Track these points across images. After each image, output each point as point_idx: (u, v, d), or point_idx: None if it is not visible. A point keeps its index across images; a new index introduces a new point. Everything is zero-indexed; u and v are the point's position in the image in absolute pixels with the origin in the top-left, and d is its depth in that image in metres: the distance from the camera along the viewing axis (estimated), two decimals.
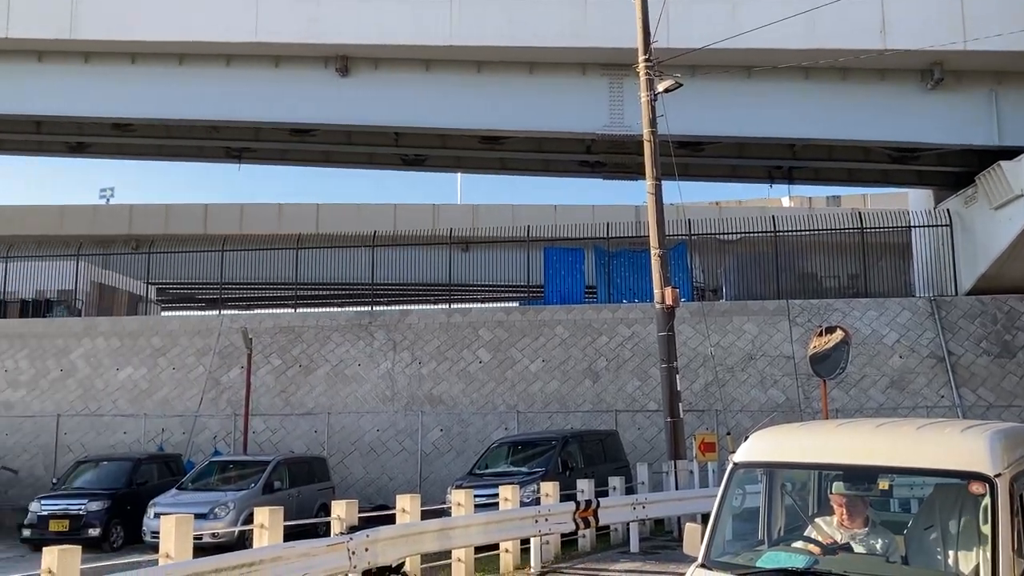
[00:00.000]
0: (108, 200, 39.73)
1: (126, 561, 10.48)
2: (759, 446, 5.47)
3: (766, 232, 24.33)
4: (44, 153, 28.62)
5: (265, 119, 23.40)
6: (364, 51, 22.07)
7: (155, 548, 11.02)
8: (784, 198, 40.80)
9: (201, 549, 13.71)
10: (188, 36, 21.81)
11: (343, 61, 22.21)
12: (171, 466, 19.42)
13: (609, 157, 24.04)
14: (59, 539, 16.31)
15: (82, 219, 36.45)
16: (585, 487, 13.83)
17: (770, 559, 5.10)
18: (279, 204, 37.45)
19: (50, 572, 7.37)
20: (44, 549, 7.60)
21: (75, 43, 22.24)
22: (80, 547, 7.75)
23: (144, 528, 15.88)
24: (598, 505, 13.30)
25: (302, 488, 17.86)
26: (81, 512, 16.54)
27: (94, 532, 16.31)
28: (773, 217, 25.06)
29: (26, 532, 16.55)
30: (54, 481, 18.60)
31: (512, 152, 25.43)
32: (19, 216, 36.92)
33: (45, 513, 16.66)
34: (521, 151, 25.26)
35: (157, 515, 15.66)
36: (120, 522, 16.81)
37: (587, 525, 13.17)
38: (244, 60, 22.65)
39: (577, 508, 12.85)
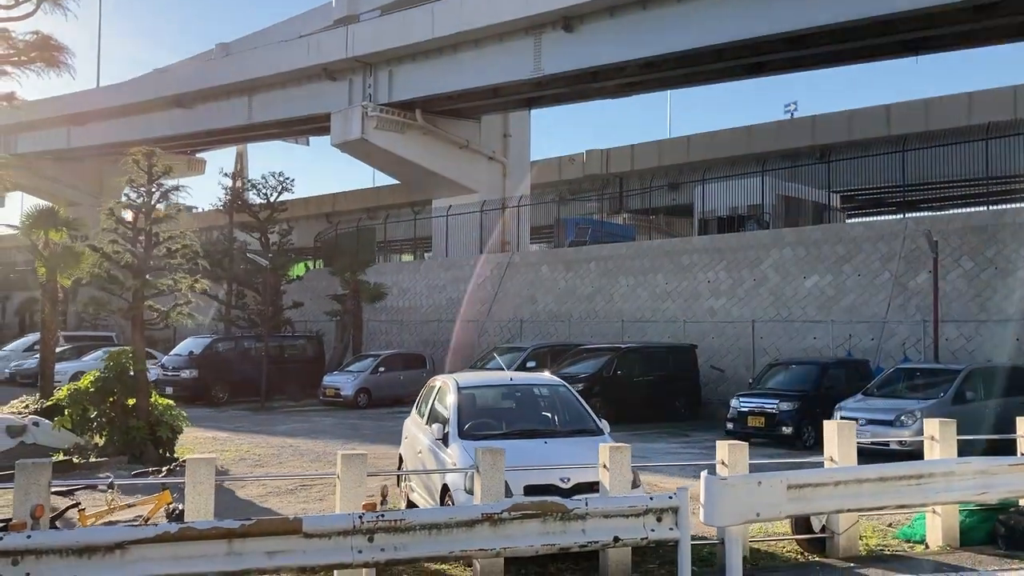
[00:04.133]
0: (792, 114, 40.94)
1: (811, 460, 10.96)
2: None
3: None
4: (726, 79, 30.73)
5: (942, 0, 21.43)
6: None
7: None
8: None
9: (888, 455, 13.75)
10: None
11: None
12: (859, 371, 19.52)
13: None
14: (756, 434, 17.93)
15: (767, 136, 38.30)
16: None
17: None
18: (968, 93, 34.00)
19: (722, 463, 8.18)
20: (718, 443, 8.46)
21: None
22: (748, 443, 8.42)
23: None
24: None
25: (1002, 400, 16.35)
26: (774, 411, 17.74)
27: (787, 430, 17.37)
28: None
29: (729, 425, 18.40)
30: (750, 381, 20.26)
31: None
32: (712, 140, 40.47)
33: (744, 410, 18.27)
34: None
35: (843, 419, 16.06)
36: (810, 423, 17.52)
37: None
38: None
39: None
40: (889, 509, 8.44)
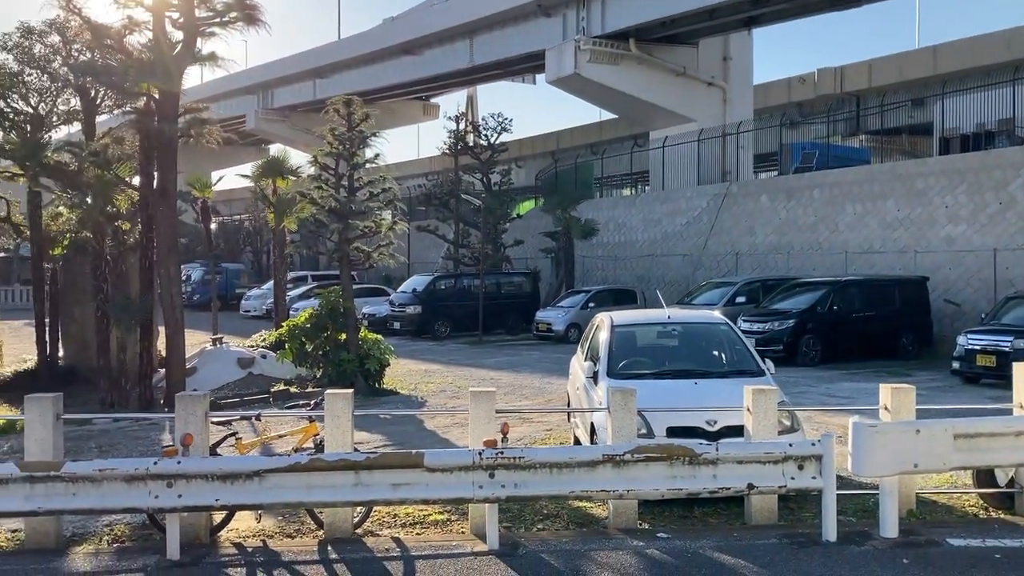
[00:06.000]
0: None
1: (1003, 407, 9.84)
2: None
3: None
4: None
5: None
6: None
7: None
8: None
9: None
10: None
11: None
12: None
13: None
14: (986, 374, 16.32)
15: None
16: None
17: None
18: None
19: (885, 408, 7.50)
20: (880, 386, 7.74)
21: None
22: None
23: None
24: None
25: None
26: (1007, 349, 15.90)
27: None
28: None
29: (955, 365, 16.82)
30: (982, 316, 18.32)
31: None
32: (962, 49, 36.31)
33: (974, 347, 16.56)
34: None
35: None
36: None
37: None
38: None
39: None
40: None
